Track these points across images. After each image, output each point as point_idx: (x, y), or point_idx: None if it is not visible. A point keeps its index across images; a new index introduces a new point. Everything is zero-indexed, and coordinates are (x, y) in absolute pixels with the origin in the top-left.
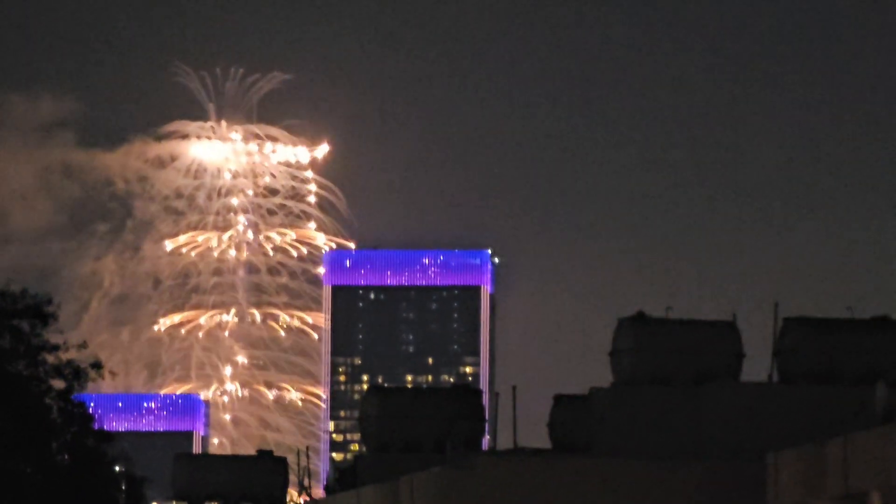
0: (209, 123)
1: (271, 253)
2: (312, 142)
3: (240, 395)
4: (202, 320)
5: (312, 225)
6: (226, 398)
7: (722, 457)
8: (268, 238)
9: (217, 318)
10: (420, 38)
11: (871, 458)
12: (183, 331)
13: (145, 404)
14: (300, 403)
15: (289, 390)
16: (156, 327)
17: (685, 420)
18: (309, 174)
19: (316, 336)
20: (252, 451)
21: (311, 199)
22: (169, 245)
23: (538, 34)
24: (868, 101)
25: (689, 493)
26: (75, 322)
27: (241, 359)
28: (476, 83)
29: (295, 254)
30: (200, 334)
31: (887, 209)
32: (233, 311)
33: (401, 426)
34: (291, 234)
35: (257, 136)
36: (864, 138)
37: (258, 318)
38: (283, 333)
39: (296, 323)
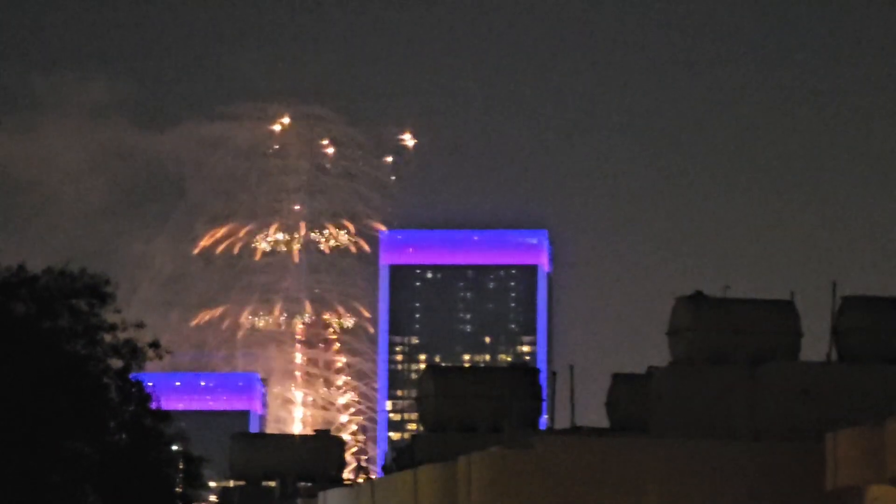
0: (260, 104)
1: (323, 239)
2: (368, 123)
3: (297, 371)
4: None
5: (368, 205)
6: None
7: (780, 436)
8: (322, 221)
9: (268, 316)
10: (477, 9)
11: None
12: (230, 321)
13: (202, 383)
14: (354, 393)
15: (347, 379)
16: (205, 313)
17: (743, 399)
18: (361, 153)
19: (371, 329)
20: (310, 431)
21: (367, 179)
22: (221, 226)
23: (601, 9)
24: None
25: (747, 473)
26: (126, 303)
27: (298, 356)
28: (527, 60)
29: (348, 235)
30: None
31: None
32: (279, 309)
33: (458, 405)
34: (346, 216)
35: (309, 118)
36: None
37: (307, 317)
38: (343, 311)
39: (348, 324)
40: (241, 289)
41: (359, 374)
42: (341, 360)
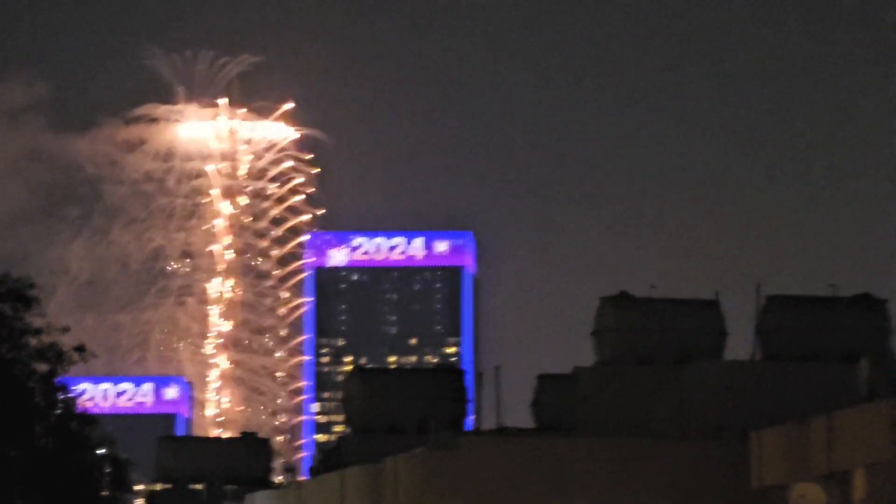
0: (179, 106)
1: (252, 236)
2: (287, 124)
3: (221, 374)
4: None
5: (290, 207)
6: (211, 379)
7: (705, 435)
8: (243, 220)
9: (186, 303)
10: (393, 16)
11: (855, 436)
12: (151, 315)
13: (128, 386)
14: (284, 383)
15: (273, 373)
16: (126, 312)
17: (668, 398)
18: (282, 156)
19: (299, 315)
20: (236, 433)
21: (288, 181)
22: (139, 229)
23: (514, 14)
24: (847, 87)
25: (673, 472)
26: (43, 307)
27: (222, 346)
28: (452, 61)
29: (273, 236)
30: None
31: (870, 187)
32: (212, 287)
33: (384, 407)
34: (269, 216)
35: (227, 119)
36: (845, 119)
37: (244, 295)
38: (268, 313)
39: (273, 326)
40: (157, 292)
41: (284, 377)
42: (267, 363)
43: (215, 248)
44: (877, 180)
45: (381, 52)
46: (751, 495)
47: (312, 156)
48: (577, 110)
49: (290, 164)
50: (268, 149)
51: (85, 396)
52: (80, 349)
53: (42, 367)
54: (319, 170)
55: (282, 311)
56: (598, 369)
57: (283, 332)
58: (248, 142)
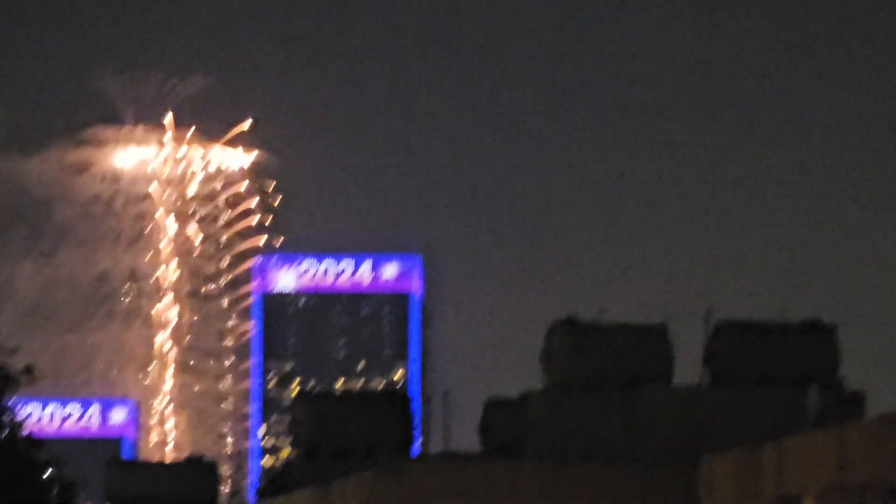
0: (126, 129)
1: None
2: (234, 146)
3: (169, 397)
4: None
5: (238, 230)
6: (158, 402)
7: (655, 460)
8: (191, 244)
9: (137, 326)
10: (343, 39)
11: (805, 463)
12: (99, 337)
13: (74, 408)
14: (230, 408)
15: (221, 395)
16: (75, 332)
17: (618, 423)
18: (232, 179)
19: (247, 339)
20: (183, 457)
21: (236, 204)
22: (86, 251)
23: (466, 29)
24: (804, 98)
25: (622, 496)
26: None
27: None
28: (401, 81)
29: (221, 259)
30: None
31: (821, 210)
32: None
33: (331, 431)
34: (217, 240)
35: (176, 142)
36: (797, 133)
37: (191, 318)
38: (216, 336)
39: (220, 348)
40: (104, 315)
41: (231, 399)
42: (214, 387)
43: (161, 271)
44: (831, 204)
45: (328, 72)
46: None
47: (261, 181)
48: (527, 133)
49: (238, 187)
50: (217, 172)
51: (31, 419)
52: (28, 371)
53: None
54: (269, 193)
55: (229, 335)
56: (546, 393)
57: (230, 356)
58: (196, 165)
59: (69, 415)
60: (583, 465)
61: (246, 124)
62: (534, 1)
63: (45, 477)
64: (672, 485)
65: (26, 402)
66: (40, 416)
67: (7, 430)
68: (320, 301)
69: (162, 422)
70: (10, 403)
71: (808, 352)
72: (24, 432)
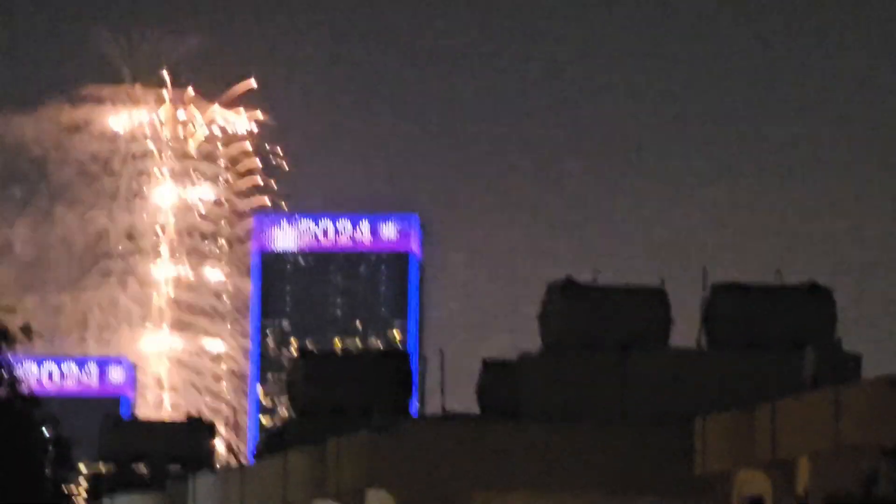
0: (124, 87)
1: (197, 213)
2: (234, 105)
3: (165, 357)
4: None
5: (238, 189)
6: (158, 363)
7: (650, 422)
8: (189, 202)
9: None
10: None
11: (799, 425)
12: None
13: (71, 367)
14: (228, 366)
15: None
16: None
17: (613, 385)
18: (231, 137)
19: (245, 298)
20: (180, 415)
21: (235, 162)
22: (83, 210)
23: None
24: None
25: (617, 458)
26: None
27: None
28: (400, 43)
29: (219, 217)
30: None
31: (818, 173)
32: (159, 266)
33: (327, 390)
34: (215, 198)
35: (173, 100)
36: (793, 98)
37: (189, 276)
38: (213, 295)
39: (218, 307)
40: (99, 273)
41: (229, 359)
42: (210, 345)
43: (159, 229)
44: (827, 170)
45: (325, 32)
46: (694, 482)
47: (261, 141)
48: (525, 91)
49: (237, 147)
50: (215, 132)
51: (30, 377)
52: (25, 329)
53: None
54: (269, 153)
55: (226, 293)
56: (542, 355)
57: (227, 315)
58: (195, 124)
59: (66, 374)
60: (578, 427)
61: (247, 84)
62: None
63: (41, 435)
64: (666, 447)
65: (23, 361)
66: (38, 376)
67: (5, 388)
68: (318, 260)
69: (159, 382)
70: (8, 361)
71: (805, 314)
72: (23, 390)
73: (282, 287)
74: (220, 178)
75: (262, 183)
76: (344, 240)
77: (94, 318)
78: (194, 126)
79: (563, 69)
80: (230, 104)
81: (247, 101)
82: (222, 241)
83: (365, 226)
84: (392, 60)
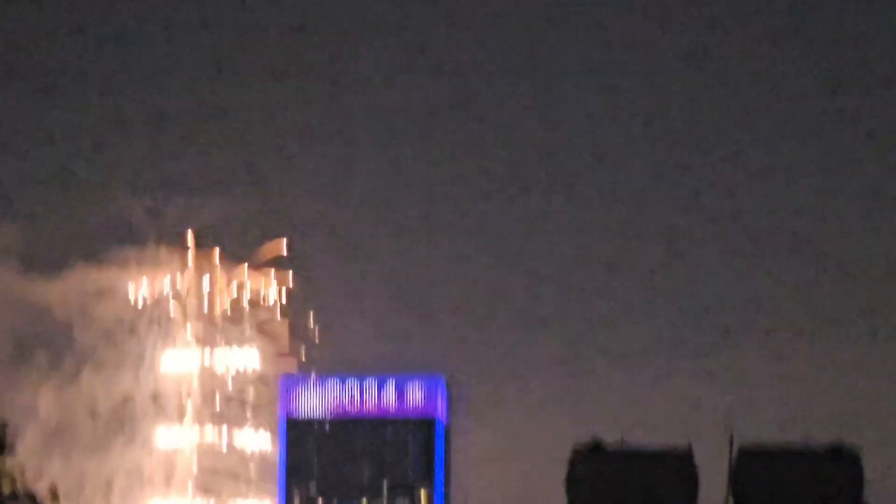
0: (149, 250)
1: (225, 375)
2: (258, 268)
3: None
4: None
5: (260, 350)
6: None
7: None
8: (213, 366)
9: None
10: (353, 164)
11: None
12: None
13: None
14: None
15: None
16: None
17: None
18: (255, 299)
19: (272, 461)
20: None
21: (259, 325)
22: (108, 374)
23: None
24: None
25: None
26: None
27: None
28: (433, 201)
29: (244, 380)
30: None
31: (846, 331)
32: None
33: None
34: (242, 359)
35: (198, 263)
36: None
37: (214, 438)
38: (240, 458)
39: (251, 447)
40: (124, 438)
41: None
42: None
43: (184, 393)
44: (854, 325)
45: (352, 181)
46: None
47: (288, 303)
48: (544, 255)
49: (265, 309)
50: (242, 294)
51: None
52: (53, 493)
53: None
54: (297, 316)
55: (251, 457)
56: None
57: (253, 479)
58: (220, 286)
59: None
60: None
61: (277, 247)
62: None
63: None
64: None
65: None
66: None
67: None
68: (344, 423)
69: None
70: None
71: (831, 478)
72: None
73: (308, 450)
74: (246, 342)
75: (288, 346)
76: (370, 403)
77: (118, 482)
78: (220, 289)
79: (587, 224)
80: (258, 267)
81: (275, 263)
82: (248, 405)
83: (391, 388)
84: (407, 199)
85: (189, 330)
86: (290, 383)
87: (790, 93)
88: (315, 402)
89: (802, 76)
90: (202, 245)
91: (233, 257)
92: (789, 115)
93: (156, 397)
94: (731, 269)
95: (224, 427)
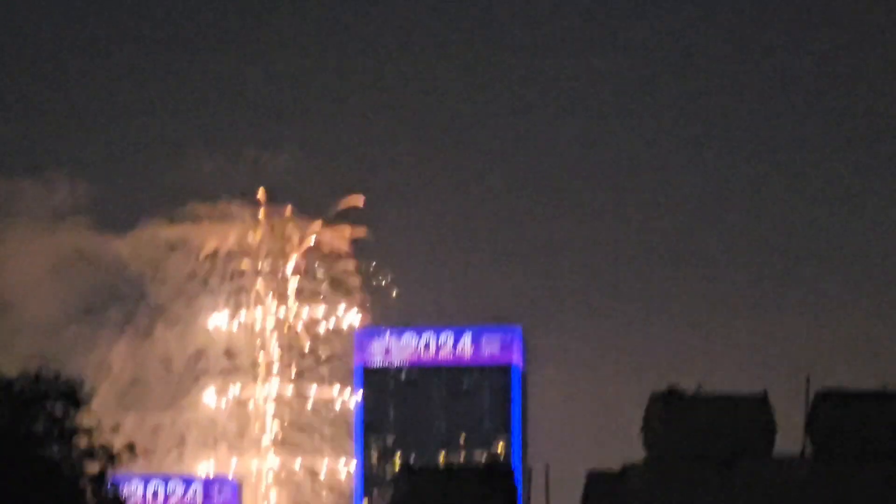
0: (221, 205)
1: (299, 330)
2: (334, 222)
3: (268, 474)
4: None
5: (337, 304)
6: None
7: None
8: (288, 320)
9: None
10: (429, 116)
11: None
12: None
13: (176, 486)
14: (332, 483)
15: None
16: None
17: (719, 495)
18: (327, 253)
19: (348, 414)
20: None
21: (333, 278)
22: (181, 329)
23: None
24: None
25: None
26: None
27: (269, 435)
28: (506, 153)
29: (319, 334)
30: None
31: None
32: (261, 385)
33: None
34: (317, 313)
35: (271, 217)
36: None
37: (291, 393)
38: (316, 411)
39: (327, 397)
40: (198, 391)
41: (331, 476)
42: (314, 462)
43: (258, 347)
44: None
45: (422, 137)
46: None
47: (362, 257)
48: (625, 199)
49: (339, 263)
50: (315, 248)
51: (135, 497)
52: (129, 448)
53: (92, 467)
54: (370, 269)
55: (328, 410)
56: (647, 466)
57: (328, 431)
58: (293, 241)
59: (171, 493)
60: None
61: (354, 200)
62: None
63: None
64: None
65: (128, 480)
66: (144, 495)
67: None
68: (420, 374)
69: (263, 500)
70: (114, 481)
71: None
72: None
73: (385, 403)
74: (321, 295)
75: (363, 299)
76: (446, 353)
77: (192, 437)
78: (293, 244)
79: (667, 181)
80: (331, 220)
81: (348, 217)
82: (323, 358)
83: (467, 339)
84: (486, 159)
85: (262, 285)
86: (365, 336)
87: None
88: (391, 354)
89: None
90: (275, 200)
91: (306, 212)
92: None
93: (229, 352)
94: (806, 215)
95: (300, 381)
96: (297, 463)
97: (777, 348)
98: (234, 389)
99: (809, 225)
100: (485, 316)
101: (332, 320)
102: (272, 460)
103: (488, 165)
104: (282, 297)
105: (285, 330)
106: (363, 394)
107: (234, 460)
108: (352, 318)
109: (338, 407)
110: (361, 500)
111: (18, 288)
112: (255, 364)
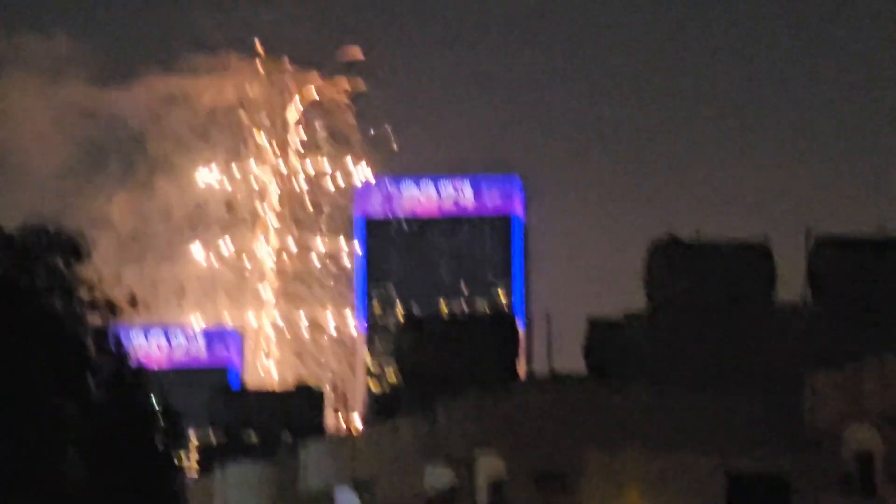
0: (219, 57)
1: (301, 182)
2: (326, 71)
3: (276, 323)
4: (223, 249)
5: (338, 154)
6: (263, 327)
7: (758, 380)
8: (289, 169)
9: (238, 246)
10: None
11: None
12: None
13: (177, 338)
14: (334, 333)
15: (324, 319)
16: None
17: (720, 343)
18: (326, 103)
19: (349, 265)
20: (288, 385)
21: (333, 130)
22: (181, 182)
23: None
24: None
25: (727, 417)
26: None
27: (268, 290)
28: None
29: (320, 184)
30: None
31: None
32: (261, 238)
33: (436, 356)
34: (318, 163)
35: (269, 68)
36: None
37: (292, 245)
38: (317, 263)
39: (326, 247)
40: (198, 243)
41: (334, 326)
42: (316, 313)
43: (258, 199)
44: None
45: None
46: (805, 439)
47: (360, 108)
48: (625, 47)
49: (337, 115)
50: (314, 100)
51: (137, 348)
52: (131, 300)
53: (94, 320)
54: (368, 118)
55: (329, 261)
56: (648, 314)
57: (331, 283)
58: (292, 92)
59: (172, 345)
60: (684, 387)
61: (352, 52)
62: None
63: (152, 407)
64: (775, 404)
65: (131, 332)
66: (145, 346)
67: (114, 361)
68: (421, 224)
69: (265, 351)
70: (116, 333)
71: None
72: (131, 362)
73: (386, 252)
74: (321, 147)
75: (362, 150)
76: (447, 203)
77: (193, 288)
78: (291, 96)
79: (665, 27)
80: (330, 72)
81: (346, 69)
82: (324, 209)
83: (467, 188)
84: (486, 10)
85: (262, 137)
86: (365, 187)
87: None
88: (391, 204)
89: None
90: (272, 52)
91: (304, 63)
92: None
93: (230, 203)
94: (809, 70)
95: (301, 233)
96: (301, 315)
97: (778, 197)
98: (234, 241)
99: (804, 73)
100: (485, 164)
101: (332, 172)
102: (272, 311)
103: (485, 16)
104: (282, 150)
105: (285, 182)
106: (365, 244)
107: (231, 312)
108: (353, 170)
109: (345, 259)
110: (365, 349)
111: (19, 142)
112: (255, 216)
